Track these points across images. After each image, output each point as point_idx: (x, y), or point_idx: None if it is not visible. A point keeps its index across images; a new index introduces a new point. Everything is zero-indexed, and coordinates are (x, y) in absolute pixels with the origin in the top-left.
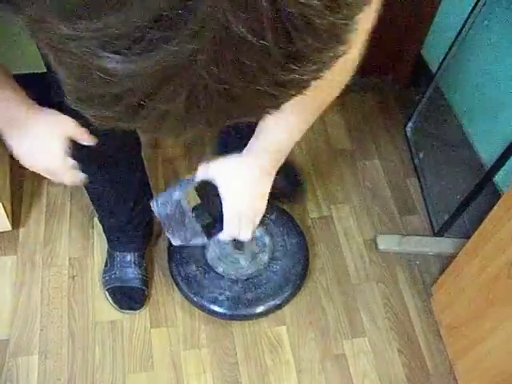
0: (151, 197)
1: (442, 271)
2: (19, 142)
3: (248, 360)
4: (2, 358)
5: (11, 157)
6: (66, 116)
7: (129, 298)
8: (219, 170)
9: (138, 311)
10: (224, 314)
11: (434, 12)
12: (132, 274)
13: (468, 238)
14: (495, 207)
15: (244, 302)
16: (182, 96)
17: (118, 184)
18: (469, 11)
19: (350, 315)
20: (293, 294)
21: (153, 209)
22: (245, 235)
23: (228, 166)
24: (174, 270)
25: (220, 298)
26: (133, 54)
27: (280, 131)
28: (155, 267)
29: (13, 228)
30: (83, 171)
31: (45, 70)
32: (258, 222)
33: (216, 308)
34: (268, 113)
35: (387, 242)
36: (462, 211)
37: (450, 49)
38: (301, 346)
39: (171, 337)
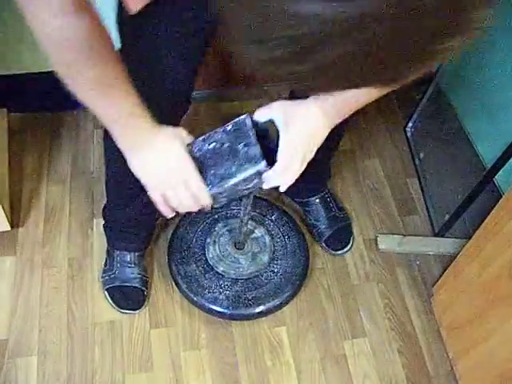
0: None
1: (442, 271)
2: (144, 157)
3: (248, 360)
4: (0, 358)
5: (11, 157)
6: (178, 127)
7: (128, 297)
8: (286, 109)
9: (137, 311)
10: (224, 314)
11: None
12: (131, 273)
13: (469, 238)
14: (496, 207)
15: (244, 301)
16: (352, 47)
17: None
18: None
19: (350, 315)
20: (293, 295)
21: (191, 149)
22: (291, 176)
23: (296, 107)
24: (173, 270)
25: (220, 297)
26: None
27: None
28: (155, 267)
29: (12, 228)
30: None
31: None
32: (302, 168)
33: (216, 307)
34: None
35: (387, 242)
36: (463, 211)
37: None
38: (301, 347)
39: (171, 337)
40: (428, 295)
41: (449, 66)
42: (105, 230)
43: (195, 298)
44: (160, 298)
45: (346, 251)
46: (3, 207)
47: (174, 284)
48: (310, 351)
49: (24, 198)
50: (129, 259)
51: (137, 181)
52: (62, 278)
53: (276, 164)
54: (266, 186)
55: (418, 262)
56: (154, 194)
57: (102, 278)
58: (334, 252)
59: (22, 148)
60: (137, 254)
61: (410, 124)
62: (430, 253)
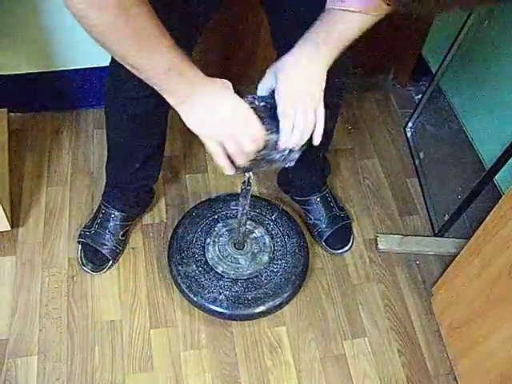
0: (160, 166)
1: (442, 271)
2: (201, 107)
3: (248, 360)
4: (1, 358)
5: (11, 157)
6: (225, 80)
7: (93, 258)
8: (277, 67)
9: (94, 273)
10: (224, 314)
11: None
12: (104, 240)
13: (468, 238)
14: (496, 207)
15: (244, 301)
16: None
17: (139, 135)
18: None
19: (350, 315)
20: (293, 295)
21: (254, 101)
22: (302, 123)
23: (284, 60)
24: (173, 270)
25: (220, 297)
26: None
27: (341, 24)
28: (155, 267)
29: (12, 228)
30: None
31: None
32: (314, 107)
33: (216, 308)
34: None
35: (387, 242)
36: (463, 211)
37: (449, 49)
38: (301, 347)
39: (171, 337)
40: (428, 295)
41: (449, 66)
42: (105, 185)
43: (195, 299)
44: (160, 298)
45: (346, 251)
46: (3, 207)
47: (173, 284)
48: (309, 351)
49: (24, 198)
50: (108, 226)
51: (133, 145)
52: (62, 277)
53: (280, 122)
54: (283, 146)
55: (417, 262)
56: (213, 146)
57: (81, 230)
58: (333, 251)
59: (22, 148)
60: (120, 218)
61: (410, 124)
62: (430, 253)
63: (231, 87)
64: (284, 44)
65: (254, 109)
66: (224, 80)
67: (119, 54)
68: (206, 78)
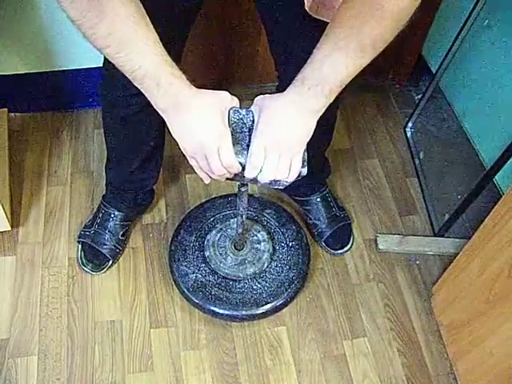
0: (159, 168)
1: (442, 271)
2: (180, 120)
3: (248, 360)
4: (1, 358)
5: (11, 157)
6: (223, 91)
7: (92, 258)
8: (263, 101)
9: (95, 273)
10: (224, 315)
11: (435, 12)
12: (104, 239)
13: (468, 238)
14: (496, 207)
15: (244, 302)
16: None
17: (132, 137)
18: (469, 11)
19: (349, 315)
20: (293, 295)
21: (230, 115)
22: (272, 166)
23: (272, 98)
24: (174, 270)
25: (220, 298)
26: None
27: (327, 66)
28: (155, 267)
29: (12, 228)
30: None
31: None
32: (290, 158)
33: (216, 308)
34: None
35: (387, 242)
36: (463, 211)
37: (449, 49)
38: (301, 347)
39: (171, 337)
40: (428, 295)
41: (449, 66)
42: (105, 185)
43: (195, 299)
44: (160, 298)
45: (346, 251)
46: (3, 207)
47: (174, 284)
48: (309, 351)
49: (24, 198)
50: (108, 226)
51: (129, 148)
52: (62, 277)
53: (249, 155)
54: (248, 176)
55: (417, 262)
56: (191, 160)
57: (81, 230)
58: (333, 251)
59: (22, 148)
60: (119, 218)
61: (410, 124)
62: (430, 253)
63: (227, 100)
64: (279, 49)
65: (235, 123)
66: (219, 93)
67: (99, 48)
68: (193, 90)
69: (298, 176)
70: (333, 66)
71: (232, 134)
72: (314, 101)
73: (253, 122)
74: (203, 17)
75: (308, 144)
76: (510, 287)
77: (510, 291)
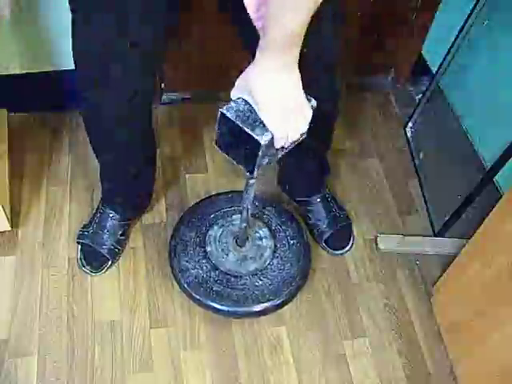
0: (153, 179)
1: (442, 271)
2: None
3: (248, 360)
4: (1, 358)
5: (11, 157)
6: None
7: (92, 259)
8: (244, 79)
9: (94, 274)
10: (224, 311)
11: (435, 12)
12: (103, 239)
13: (469, 238)
14: (496, 207)
15: (245, 298)
16: None
17: (125, 150)
18: (469, 11)
19: (350, 315)
20: (293, 294)
21: (226, 114)
22: (294, 131)
23: (249, 70)
24: (174, 267)
25: (220, 294)
26: None
27: (282, 16)
28: (155, 267)
29: (12, 228)
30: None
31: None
32: (301, 102)
33: (216, 305)
34: None
35: (387, 242)
36: (463, 211)
37: (450, 49)
38: (301, 347)
39: (171, 337)
40: (428, 295)
41: (449, 66)
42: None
43: (195, 295)
44: (160, 298)
45: (347, 251)
46: (3, 207)
47: (174, 282)
48: (309, 351)
49: (24, 198)
50: (106, 225)
51: (121, 158)
52: (62, 277)
53: (270, 131)
54: (277, 146)
55: (417, 262)
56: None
57: (79, 231)
58: (334, 252)
59: (22, 148)
60: (118, 218)
61: (410, 124)
62: (430, 253)
63: None
64: (249, 41)
65: (238, 116)
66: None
67: None
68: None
69: (313, 112)
70: (287, 15)
71: (245, 125)
72: (283, 54)
73: (248, 103)
74: (200, 20)
75: (308, 144)
76: (510, 287)
77: (510, 291)
